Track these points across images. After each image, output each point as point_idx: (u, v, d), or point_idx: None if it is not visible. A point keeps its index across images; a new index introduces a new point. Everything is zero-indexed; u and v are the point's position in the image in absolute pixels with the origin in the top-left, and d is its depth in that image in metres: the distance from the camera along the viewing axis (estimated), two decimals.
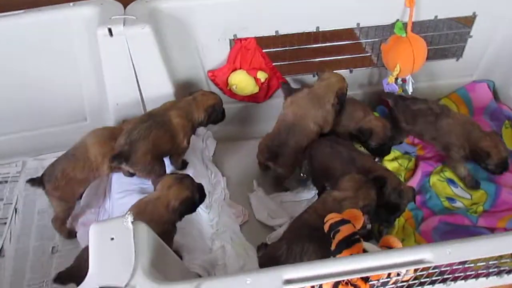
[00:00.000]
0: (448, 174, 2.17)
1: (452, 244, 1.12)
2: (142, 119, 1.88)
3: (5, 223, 2.04)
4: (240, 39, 2.13)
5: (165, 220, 1.61)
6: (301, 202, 2.09)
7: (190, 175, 2.01)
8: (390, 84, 2.25)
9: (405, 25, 2.13)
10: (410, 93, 2.28)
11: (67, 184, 1.86)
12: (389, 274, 1.29)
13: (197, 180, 2.02)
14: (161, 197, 1.63)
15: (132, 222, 1.19)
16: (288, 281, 1.07)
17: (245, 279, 1.07)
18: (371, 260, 1.11)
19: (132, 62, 1.95)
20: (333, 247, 1.43)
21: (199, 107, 1.97)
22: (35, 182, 1.89)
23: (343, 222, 1.47)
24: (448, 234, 1.95)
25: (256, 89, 2.25)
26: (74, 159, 1.87)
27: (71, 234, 1.98)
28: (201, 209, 1.98)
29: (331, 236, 1.46)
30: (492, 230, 1.98)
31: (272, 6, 2.06)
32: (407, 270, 1.27)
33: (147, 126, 1.84)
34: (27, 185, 2.09)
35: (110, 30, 1.84)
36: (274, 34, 2.13)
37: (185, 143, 1.96)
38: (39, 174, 1.94)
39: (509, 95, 2.42)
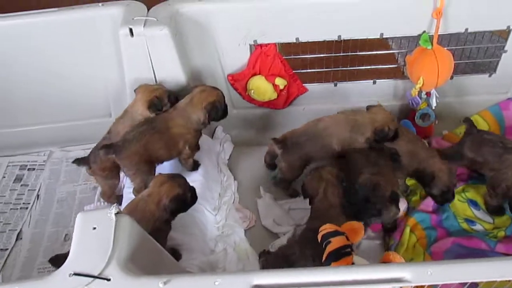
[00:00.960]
0: (470, 194, 2.05)
1: (434, 265, 1.06)
2: (141, 123, 1.94)
3: (27, 208, 2.18)
4: (261, 45, 2.14)
5: (156, 217, 1.64)
6: (309, 210, 2.05)
7: (200, 176, 2.07)
8: (413, 98, 2.18)
9: (431, 37, 2.06)
10: (433, 108, 2.19)
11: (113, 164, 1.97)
12: None
13: (207, 182, 2.10)
14: (153, 194, 1.66)
15: (116, 214, 1.22)
16: (257, 287, 1.06)
17: (214, 279, 1.07)
18: (343, 274, 1.08)
19: (151, 62, 2.02)
20: (323, 258, 1.41)
21: (196, 108, 1.92)
22: (81, 161, 2.05)
23: (336, 233, 1.44)
24: (461, 257, 1.84)
25: (274, 96, 2.25)
26: None
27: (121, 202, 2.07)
28: (208, 211, 2.02)
29: (323, 246, 1.43)
30: None
31: (293, 13, 2.05)
32: None
33: (142, 131, 1.89)
34: (51, 173, 2.24)
35: (131, 30, 1.92)
36: (295, 41, 2.12)
37: (187, 149, 1.98)
38: (63, 164, 2.06)
39: None
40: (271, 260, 1.77)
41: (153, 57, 2.00)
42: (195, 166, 2.10)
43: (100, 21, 2.06)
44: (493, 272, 1.06)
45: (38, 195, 2.23)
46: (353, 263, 1.37)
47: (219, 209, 2.07)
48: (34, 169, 2.35)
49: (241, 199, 2.17)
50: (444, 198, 1.95)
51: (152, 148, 1.91)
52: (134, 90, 2.01)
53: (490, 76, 2.29)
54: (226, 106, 2.03)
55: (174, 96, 2.03)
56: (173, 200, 1.66)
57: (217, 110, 1.95)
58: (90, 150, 2.05)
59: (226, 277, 1.09)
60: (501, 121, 2.31)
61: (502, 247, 1.85)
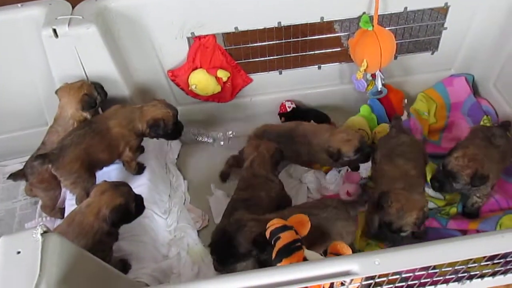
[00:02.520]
0: None
1: (380, 254, 1.03)
2: (79, 126, 1.82)
3: None
4: (199, 37, 2.05)
5: (96, 230, 1.52)
6: None
7: (147, 180, 1.97)
8: (359, 81, 2.15)
9: (371, 18, 2.03)
10: (379, 89, 2.18)
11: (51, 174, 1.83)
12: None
13: (155, 185, 2.00)
14: (92, 204, 1.54)
15: (42, 234, 1.11)
16: None
17: None
18: (290, 273, 1.02)
19: (82, 64, 1.89)
20: (273, 256, 1.35)
21: (142, 118, 1.84)
22: (17, 175, 1.91)
23: (284, 228, 1.39)
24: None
25: (218, 89, 2.17)
26: None
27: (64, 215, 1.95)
28: (157, 215, 1.92)
29: (272, 243, 1.38)
30: (464, 232, 1.87)
31: (230, 1, 1.97)
32: (351, 280, 1.18)
33: (82, 134, 1.77)
34: None
35: (55, 30, 1.78)
36: (234, 31, 2.04)
37: (128, 152, 1.88)
38: (0, 181, 1.91)
39: (489, 89, 2.29)
40: (214, 241, 1.60)
41: (83, 58, 1.87)
42: (139, 169, 1.99)
43: (22, 23, 1.89)
44: (439, 255, 1.04)
45: None
46: (304, 257, 1.33)
47: (169, 211, 1.99)
48: None
49: (193, 199, 2.09)
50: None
51: (93, 152, 1.80)
52: (56, 93, 1.88)
53: (432, 53, 2.29)
54: (177, 126, 1.91)
55: (99, 86, 1.94)
56: (114, 210, 1.54)
57: (159, 128, 1.85)
58: None
59: None
60: (446, 98, 2.33)
61: (453, 224, 1.86)
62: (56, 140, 1.85)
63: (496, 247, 1.04)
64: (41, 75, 2.03)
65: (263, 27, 2.05)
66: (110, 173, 1.96)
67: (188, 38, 2.05)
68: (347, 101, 2.35)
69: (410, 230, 1.61)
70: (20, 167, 2.11)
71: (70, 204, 1.90)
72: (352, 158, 1.89)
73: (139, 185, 1.95)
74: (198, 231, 1.93)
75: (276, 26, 2.04)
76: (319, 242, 1.57)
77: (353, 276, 1.02)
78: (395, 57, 2.26)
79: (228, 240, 1.48)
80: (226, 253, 1.50)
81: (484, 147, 1.78)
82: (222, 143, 2.29)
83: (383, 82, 2.16)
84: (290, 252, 1.34)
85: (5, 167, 2.24)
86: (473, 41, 2.23)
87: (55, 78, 1.93)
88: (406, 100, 2.34)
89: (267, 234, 1.40)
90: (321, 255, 1.40)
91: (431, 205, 1.98)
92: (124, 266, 1.70)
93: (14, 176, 1.92)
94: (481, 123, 2.20)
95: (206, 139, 2.31)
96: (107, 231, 1.56)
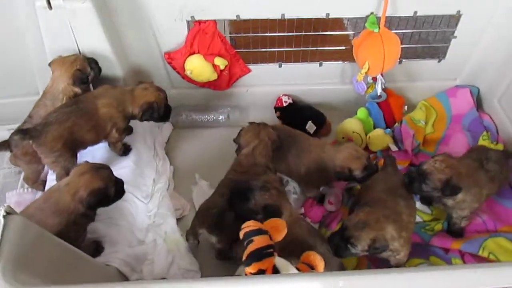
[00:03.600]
0: None
1: (345, 276, 0.99)
2: (66, 104, 1.78)
3: None
4: (199, 22, 1.99)
5: (71, 210, 1.50)
6: None
7: (131, 162, 1.94)
8: (359, 83, 2.09)
9: (379, 19, 1.95)
10: (378, 94, 2.11)
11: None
12: None
13: (139, 168, 1.97)
14: (70, 184, 1.51)
15: (4, 216, 1.09)
16: None
17: None
18: (249, 284, 1.00)
19: (75, 39, 1.84)
20: (244, 258, 1.32)
21: (134, 101, 1.82)
22: (1, 146, 1.86)
23: (259, 232, 1.36)
24: None
25: (214, 76, 2.12)
26: None
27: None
28: (138, 200, 1.90)
29: (245, 245, 1.35)
30: (446, 251, 1.83)
31: None
32: None
33: (68, 111, 1.73)
34: None
35: (49, 1, 1.73)
36: (235, 19, 1.97)
37: (115, 133, 1.84)
38: None
39: (493, 105, 2.22)
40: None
41: (77, 33, 1.83)
42: (125, 150, 1.97)
43: None
44: (404, 283, 1.00)
45: None
46: (274, 266, 1.30)
47: (151, 196, 1.96)
48: None
49: (177, 186, 2.06)
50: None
51: (78, 131, 1.76)
52: (49, 65, 1.84)
53: (439, 61, 2.22)
54: (167, 109, 1.90)
55: (94, 61, 1.89)
56: (92, 194, 1.51)
57: (153, 112, 1.85)
58: None
59: None
60: (448, 108, 2.26)
61: (436, 241, 1.83)
62: (43, 114, 1.82)
63: (466, 282, 1.00)
64: (35, 45, 1.98)
65: (265, 18, 1.98)
66: (95, 152, 1.92)
67: (188, 22, 1.99)
68: (346, 101, 2.29)
69: (360, 249, 1.51)
70: (8, 134, 2.11)
71: (51, 179, 1.88)
72: (358, 177, 1.78)
73: (123, 167, 1.93)
74: (177, 219, 1.91)
75: (279, 18, 1.98)
76: (296, 254, 1.52)
77: None
78: (400, 61, 2.19)
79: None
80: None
81: (473, 167, 1.72)
82: (221, 117, 2.27)
83: (383, 86, 2.10)
84: (261, 257, 1.30)
85: None
86: (482, 53, 2.15)
87: (47, 50, 1.89)
88: (406, 107, 2.28)
89: (241, 234, 1.37)
90: (292, 264, 1.36)
91: (417, 219, 1.94)
92: (97, 248, 1.68)
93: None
94: (480, 139, 2.14)
95: (205, 117, 2.27)
96: (83, 212, 1.53)
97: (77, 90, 1.87)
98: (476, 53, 2.16)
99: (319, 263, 1.44)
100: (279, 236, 1.43)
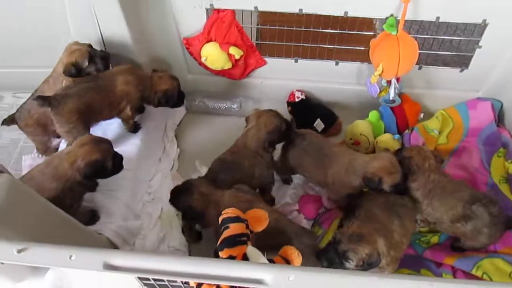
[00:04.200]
0: None
1: (297, 271, 1.00)
2: (86, 79, 1.86)
3: None
4: (218, 10, 2.02)
5: (68, 177, 1.59)
6: None
7: (139, 140, 2.02)
8: (372, 85, 2.06)
9: (398, 22, 1.91)
10: (391, 98, 2.07)
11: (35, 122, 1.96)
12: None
13: (146, 146, 2.04)
14: (70, 153, 1.60)
15: None
16: (109, 266, 1.02)
17: (70, 253, 1.04)
18: (203, 266, 1.02)
19: (96, 18, 1.92)
20: (218, 242, 1.36)
21: (152, 87, 1.93)
22: (9, 120, 2.01)
23: (236, 220, 1.39)
24: None
25: (228, 65, 2.15)
26: None
27: None
28: (141, 176, 1.98)
29: (221, 230, 1.38)
30: (438, 265, 1.78)
31: None
32: None
33: (87, 87, 1.82)
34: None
35: None
36: (253, 10, 1.99)
37: (128, 111, 1.92)
38: (13, 111, 2.03)
39: None
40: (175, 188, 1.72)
41: (97, 11, 1.89)
42: (135, 128, 2.04)
43: None
44: (356, 285, 0.99)
45: None
46: (244, 254, 1.32)
47: (154, 175, 2.03)
48: None
49: (181, 168, 2.12)
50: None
51: (94, 107, 1.85)
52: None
53: (461, 71, 2.14)
54: (180, 96, 2.00)
55: (102, 57, 1.92)
56: (88, 164, 1.59)
57: (167, 99, 1.96)
58: None
59: (82, 253, 1.05)
60: (466, 120, 2.18)
61: (429, 254, 1.79)
62: (46, 90, 1.92)
63: None
64: (61, 21, 2.07)
65: (283, 11, 1.99)
66: (106, 127, 2.01)
67: (207, 9, 2.03)
68: (360, 103, 2.26)
69: (354, 264, 1.49)
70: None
71: (63, 147, 1.98)
72: (385, 189, 1.69)
73: (131, 144, 2.01)
74: None
75: (297, 12, 1.97)
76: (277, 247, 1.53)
77: (263, 286, 1.00)
78: (420, 67, 2.14)
79: (181, 190, 1.67)
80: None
81: None
82: (234, 106, 2.30)
83: (398, 91, 2.06)
84: (233, 244, 1.34)
85: (20, 99, 2.33)
86: (508, 65, 2.05)
87: (71, 32, 1.98)
88: (422, 115, 2.21)
89: (220, 220, 1.40)
90: (264, 256, 1.37)
91: None
92: (92, 216, 1.77)
93: (7, 121, 2.01)
94: (495, 155, 2.05)
95: (218, 105, 2.32)
96: (79, 181, 1.62)
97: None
98: (501, 65, 2.07)
99: (296, 258, 1.44)
100: (260, 226, 1.45)
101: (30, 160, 2.09)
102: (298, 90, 2.27)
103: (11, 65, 2.31)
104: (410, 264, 1.78)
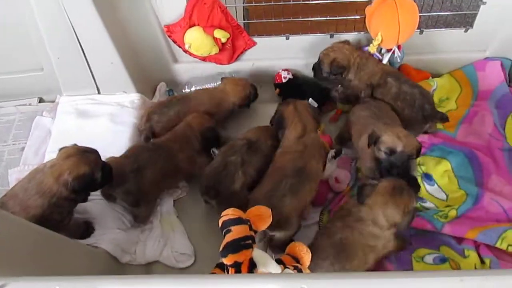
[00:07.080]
0: (426, 168, 1.84)
1: (308, 280, 0.89)
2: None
3: None
4: None
5: (54, 193, 1.46)
6: None
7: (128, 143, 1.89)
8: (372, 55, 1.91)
9: None
10: (396, 67, 1.93)
11: None
12: None
13: None
14: (55, 166, 1.47)
15: None
16: None
17: (54, 285, 0.92)
18: (205, 284, 0.91)
19: (66, 12, 1.76)
20: (221, 248, 1.24)
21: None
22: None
23: (238, 221, 1.27)
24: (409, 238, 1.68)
25: (215, 50, 2.00)
26: None
27: None
28: None
29: (222, 234, 1.27)
30: (459, 240, 1.67)
31: None
32: None
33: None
34: None
35: None
36: None
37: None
38: None
39: None
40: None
41: (66, 5, 1.74)
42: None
43: None
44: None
45: None
46: (251, 259, 1.21)
47: None
48: None
49: None
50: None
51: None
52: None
53: (466, 31, 1.99)
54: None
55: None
56: (77, 178, 1.46)
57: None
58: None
59: (68, 283, 0.94)
60: (475, 83, 2.04)
61: (448, 229, 1.67)
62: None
63: None
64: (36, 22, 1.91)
65: None
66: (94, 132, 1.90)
67: None
68: None
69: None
70: (15, 110, 2.17)
71: (50, 157, 1.86)
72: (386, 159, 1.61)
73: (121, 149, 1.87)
74: (174, 201, 1.85)
75: None
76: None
77: None
78: (421, 32, 1.99)
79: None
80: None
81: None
82: None
83: (400, 60, 1.92)
84: (238, 249, 1.22)
85: (0, 108, 2.22)
86: None
87: (41, 29, 1.83)
88: (436, 84, 2.04)
89: (220, 223, 1.28)
90: (272, 257, 1.26)
91: (429, 204, 1.79)
92: (87, 229, 1.65)
93: None
94: (510, 117, 1.92)
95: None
96: (66, 196, 1.49)
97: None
98: (509, 20, 1.92)
99: (305, 255, 1.34)
100: (263, 225, 1.33)
101: (16, 173, 1.96)
102: (284, 70, 2.12)
103: None
104: (428, 242, 1.67)
